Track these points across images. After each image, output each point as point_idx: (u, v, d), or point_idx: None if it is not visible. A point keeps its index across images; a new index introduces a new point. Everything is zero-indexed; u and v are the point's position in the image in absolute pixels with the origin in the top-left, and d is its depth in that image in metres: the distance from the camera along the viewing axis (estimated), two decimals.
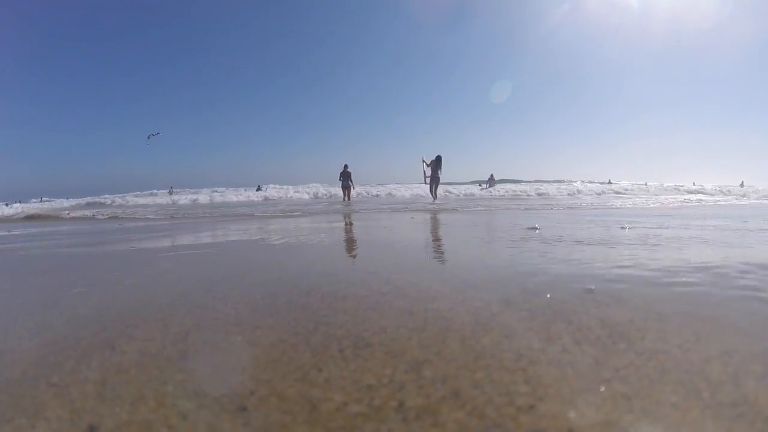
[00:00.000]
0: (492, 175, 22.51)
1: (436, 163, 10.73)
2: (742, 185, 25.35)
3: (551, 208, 7.35)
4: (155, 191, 23.22)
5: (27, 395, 0.81)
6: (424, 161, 10.96)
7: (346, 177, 12.86)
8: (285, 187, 22.12)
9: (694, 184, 25.27)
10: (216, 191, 21.09)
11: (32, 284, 1.90)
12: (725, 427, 0.63)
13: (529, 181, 25.96)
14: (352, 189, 13.20)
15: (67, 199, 20.13)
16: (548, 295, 1.34)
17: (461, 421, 0.67)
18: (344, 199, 12.87)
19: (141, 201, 16.35)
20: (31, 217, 8.97)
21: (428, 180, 10.96)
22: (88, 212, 10.17)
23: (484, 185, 22.58)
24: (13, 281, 2.04)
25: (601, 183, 24.27)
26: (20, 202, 19.62)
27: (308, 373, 0.84)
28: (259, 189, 22.00)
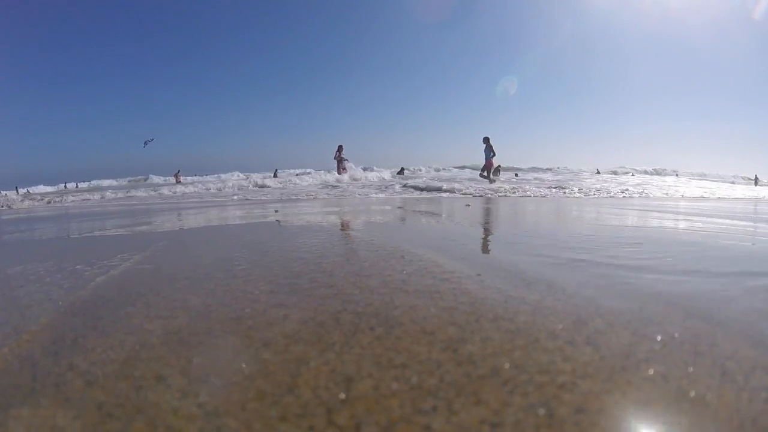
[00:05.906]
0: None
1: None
2: (756, 182, 21.79)
3: None
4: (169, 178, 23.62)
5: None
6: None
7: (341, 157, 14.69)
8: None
9: (677, 174, 24.01)
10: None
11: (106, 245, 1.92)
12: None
13: (525, 169, 23.27)
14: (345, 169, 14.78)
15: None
16: None
17: (504, 400, 0.65)
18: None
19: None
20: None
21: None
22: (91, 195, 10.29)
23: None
24: None
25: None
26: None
27: (341, 352, 0.83)
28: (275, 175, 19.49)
